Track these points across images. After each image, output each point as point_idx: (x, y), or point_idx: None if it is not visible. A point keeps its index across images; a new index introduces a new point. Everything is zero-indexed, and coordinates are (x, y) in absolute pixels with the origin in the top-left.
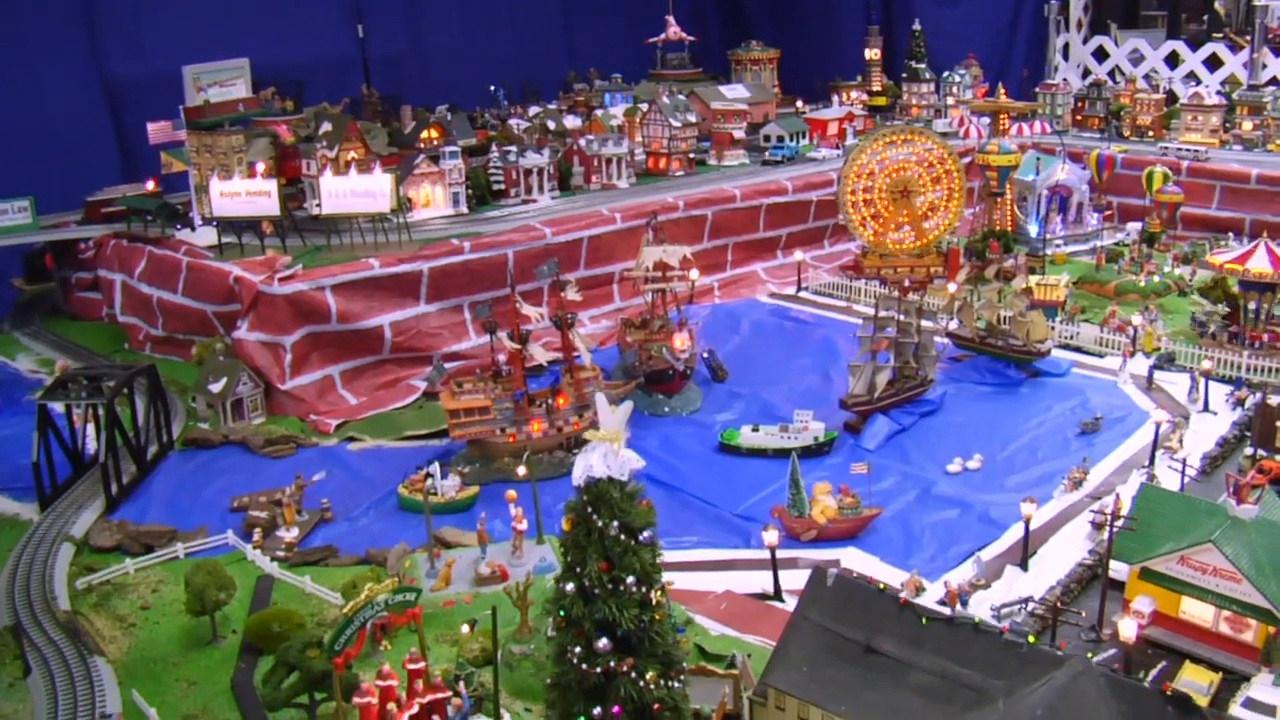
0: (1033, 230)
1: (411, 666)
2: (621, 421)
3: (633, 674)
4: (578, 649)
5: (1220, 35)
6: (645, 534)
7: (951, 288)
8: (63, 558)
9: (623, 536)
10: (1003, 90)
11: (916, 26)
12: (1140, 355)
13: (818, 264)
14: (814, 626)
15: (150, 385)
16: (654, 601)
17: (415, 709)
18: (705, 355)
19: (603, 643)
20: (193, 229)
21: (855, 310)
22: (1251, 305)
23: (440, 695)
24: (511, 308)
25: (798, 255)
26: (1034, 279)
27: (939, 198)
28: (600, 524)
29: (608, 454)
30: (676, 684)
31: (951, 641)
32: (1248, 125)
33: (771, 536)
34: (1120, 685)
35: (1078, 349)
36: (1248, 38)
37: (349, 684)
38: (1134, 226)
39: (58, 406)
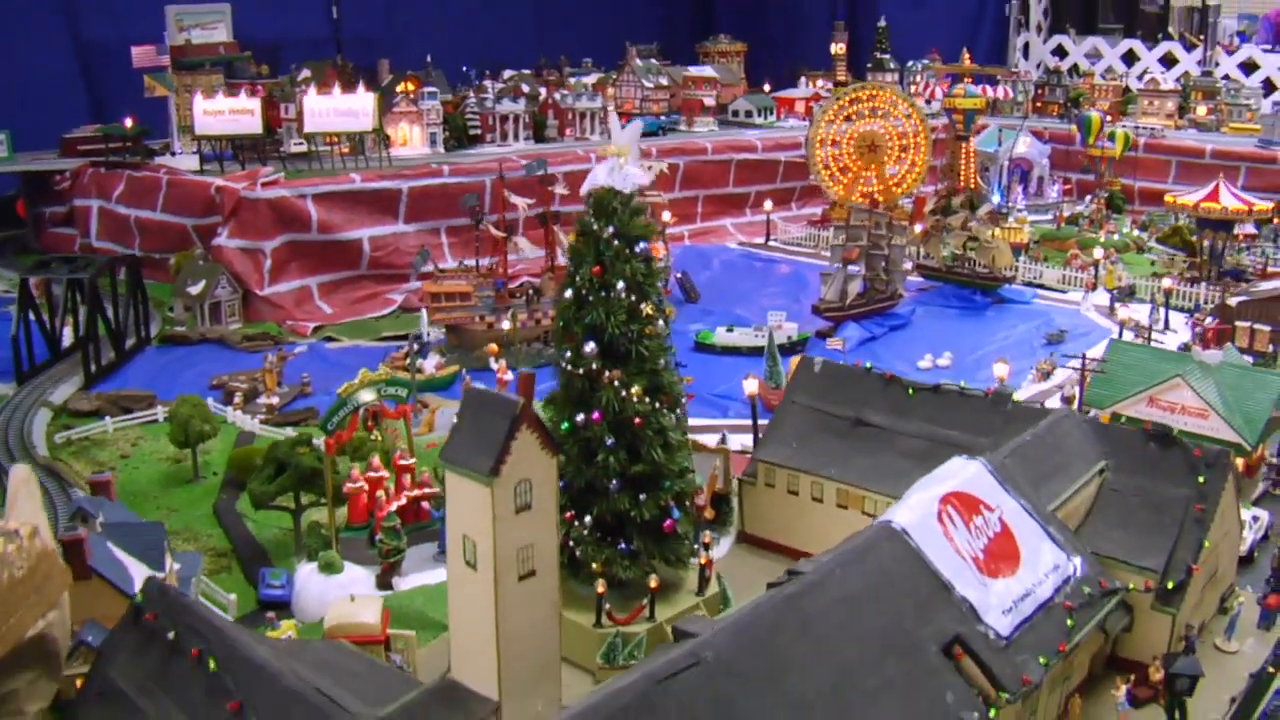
0: (995, 200)
1: (401, 463)
2: (631, 138)
3: (617, 384)
4: (568, 354)
5: (1175, 35)
6: (641, 245)
7: (918, 228)
8: (40, 419)
9: (616, 242)
10: (967, 54)
11: (882, 23)
12: (1102, 290)
13: (786, 223)
14: (802, 408)
15: (131, 277)
16: (644, 313)
17: (403, 500)
18: (678, 277)
19: (589, 347)
20: (172, 154)
21: (824, 256)
22: (1207, 244)
23: (427, 490)
24: (498, 193)
25: (768, 205)
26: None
27: (905, 140)
28: (597, 229)
29: (613, 167)
30: (669, 412)
31: (938, 407)
32: (1202, 110)
33: (751, 385)
34: (1101, 426)
35: (1041, 286)
36: (1201, 37)
37: (338, 484)
38: (1091, 199)
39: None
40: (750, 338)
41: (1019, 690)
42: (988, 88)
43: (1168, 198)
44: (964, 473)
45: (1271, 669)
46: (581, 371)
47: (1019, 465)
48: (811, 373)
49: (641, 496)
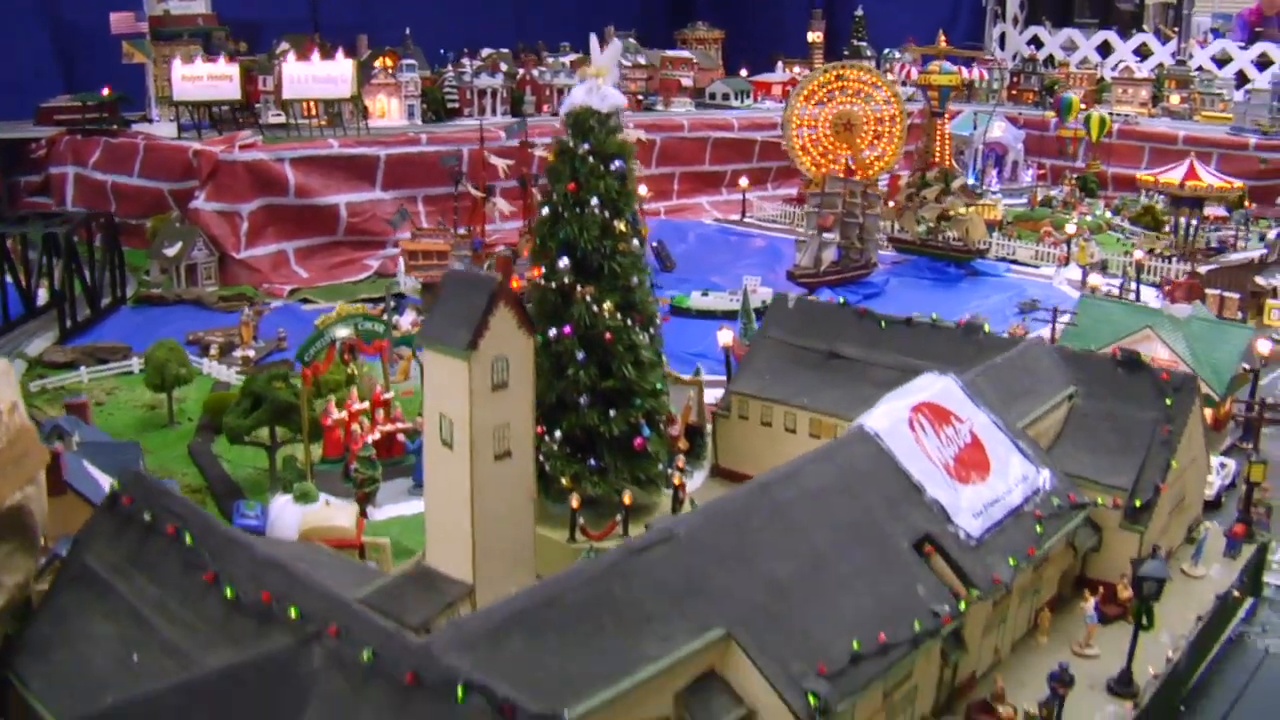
0: (969, 183)
1: (382, 398)
2: (611, 59)
3: (589, 300)
4: (543, 268)
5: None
6: (616, 164)
7: (891, 204)
8: (15, 370)
9: (591, 159)
10: (943, 36)
11: (859, 13)
12: (1074, 265)
13: (762, 202)
14: (775, 343)
15: (107, 235)
16: (617, 230)
17: (377, 435)
18: (654, 246)
19: (563, 262)
20: (149, 123)
21: (799, 232)
22: (1182, 220)
23: (401, 425)
24: (477, 160)
25: (744, 183)
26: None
27: (882, 125)
28: (574, 147)
29: (592, 87)
30: (641, 330)
31: (910, 339)
32: (1175, 99)
33: (725, 336)
34: (1070, 355)
35: (1014, 261)
36: (1175, 29)
37: (314, 418)
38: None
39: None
40: (725, 301)
41: (990, 588)
42: (963, 69)
43: (1148, 176)
44: (935, 386)
45: (1237, 593)
46: (554, 286)
47: (989, 384)
48: (785, 309)
49: (611, 413)
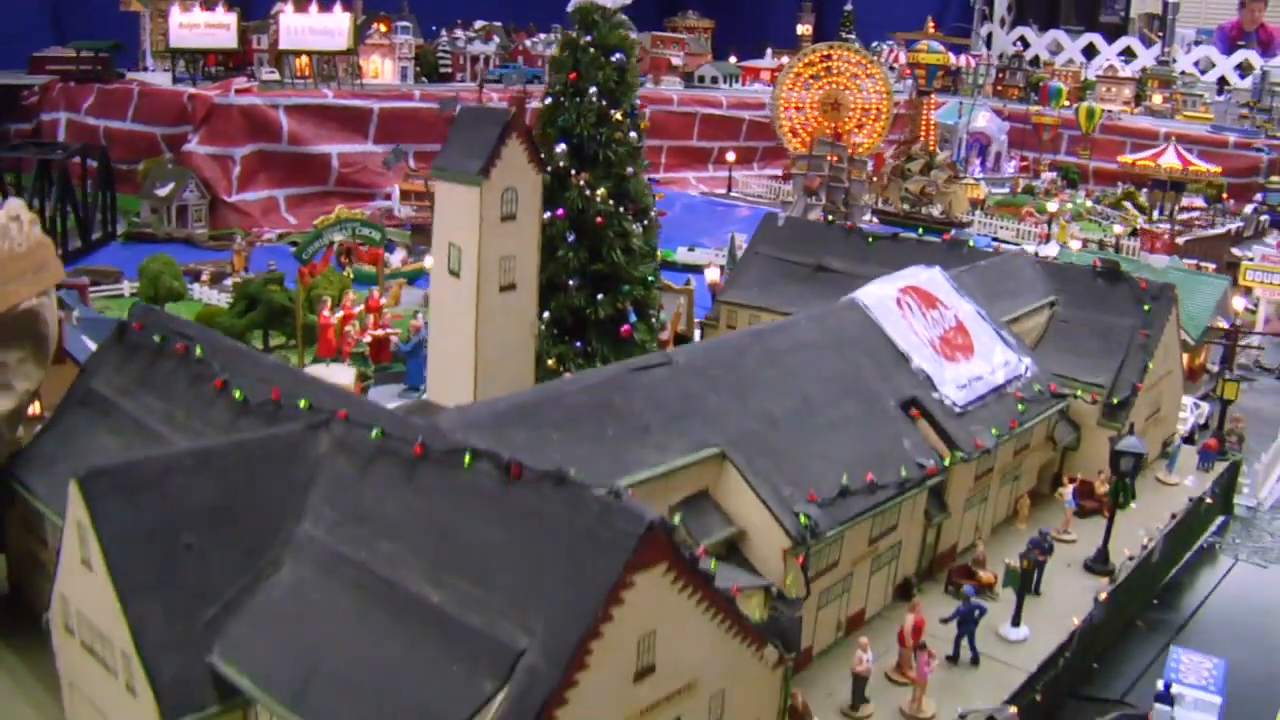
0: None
1: (379, 302)
2: None
3: (583, 185)
4: (542, 156)
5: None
6: (617, 55)
7: (876, 179)
8: None
9: (593, 50)
10: (932, 22)
11: (848, 7)
12: (1054, 243)
13: (748, 179)
14: (765, 258)
15: (101, 167)
16: (614, 119)
17: (369, 338)
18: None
19: (560, 147)
20: (145, 70)
21: (785, 203)
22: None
23: (393, 331)
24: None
25: (730, 157)
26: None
27: (867, 116)
28: (576, 38)
29: None
30: (634, 220)
31: (897, 252)
32: (1158, 99)
33: (713, 273)
34: (1051, 266)
35: (995, 238)
36: (1160, 34)
37: (308, 321)
38: (1048, 176)
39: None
40: (711, 256)
41: (973, 451)
42: (951, 54)
43: (1142, 160)
44: (922, 275)
45: (1209, 499)
46: (550, 171)
47: (974, 281)
48: (774, 227)
49: (599, 296)
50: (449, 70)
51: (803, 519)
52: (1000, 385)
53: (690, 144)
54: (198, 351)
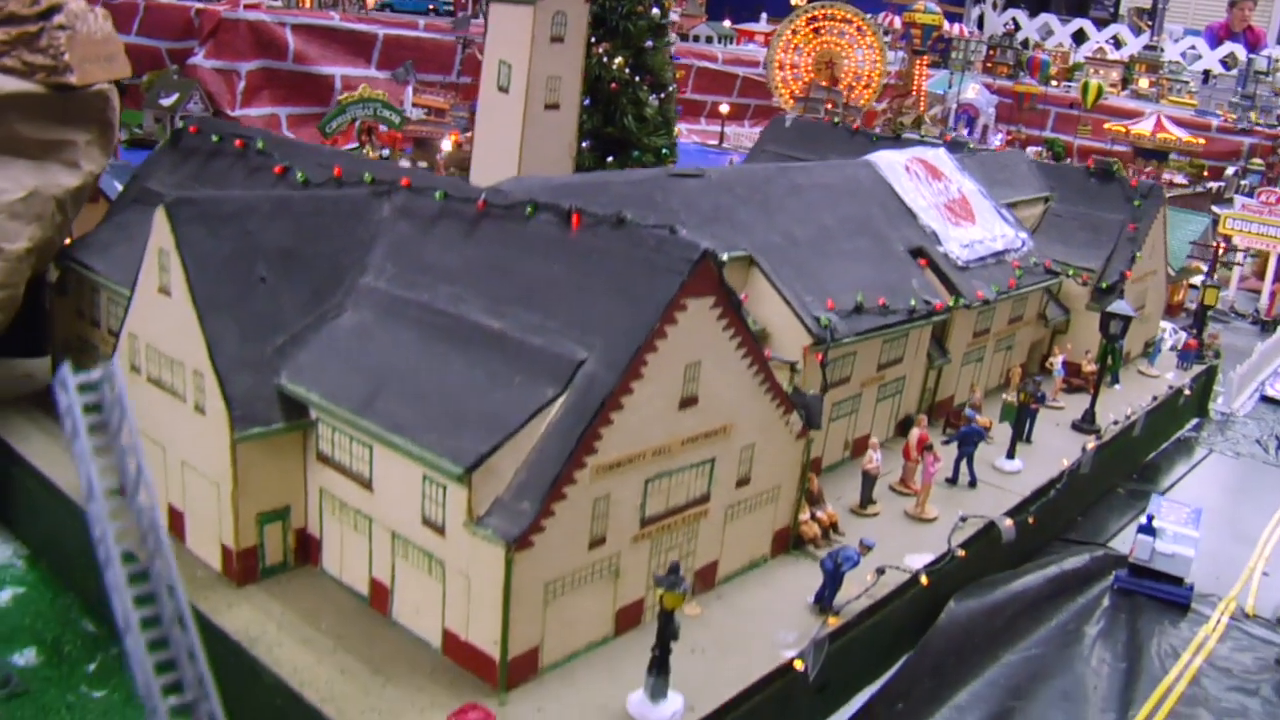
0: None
1: None
2: None
3: (603, 53)
4: None
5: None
6: None
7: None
8: None
9: None
10: None
11: None
12: None
13: (740, 134)
14: (771, 155)
15: None
16: None
17: None
18: None
19: None
20: None
21: None
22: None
23: None
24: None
25: (724, 109)
26: None
27: (862, 66)
28: None
29: None
30: (650, 91)
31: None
32: (1144, 83)
33: None
34: (1047, 165)
35: None
36: (1149, 23)
37: None
38: (1033, 150)
39: None
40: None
41: (974, 300)
42: (946, 21)
43: (1118, 126)
44: (929, 152)
45: (1188, 391)
46: None
47: (975, 167)
48: (782, 127)
49: (609, 159)
50: (450, 8)
51: (823, 320)
52: (1000, 251)
53: (684, 96)
54: (259, 145)
